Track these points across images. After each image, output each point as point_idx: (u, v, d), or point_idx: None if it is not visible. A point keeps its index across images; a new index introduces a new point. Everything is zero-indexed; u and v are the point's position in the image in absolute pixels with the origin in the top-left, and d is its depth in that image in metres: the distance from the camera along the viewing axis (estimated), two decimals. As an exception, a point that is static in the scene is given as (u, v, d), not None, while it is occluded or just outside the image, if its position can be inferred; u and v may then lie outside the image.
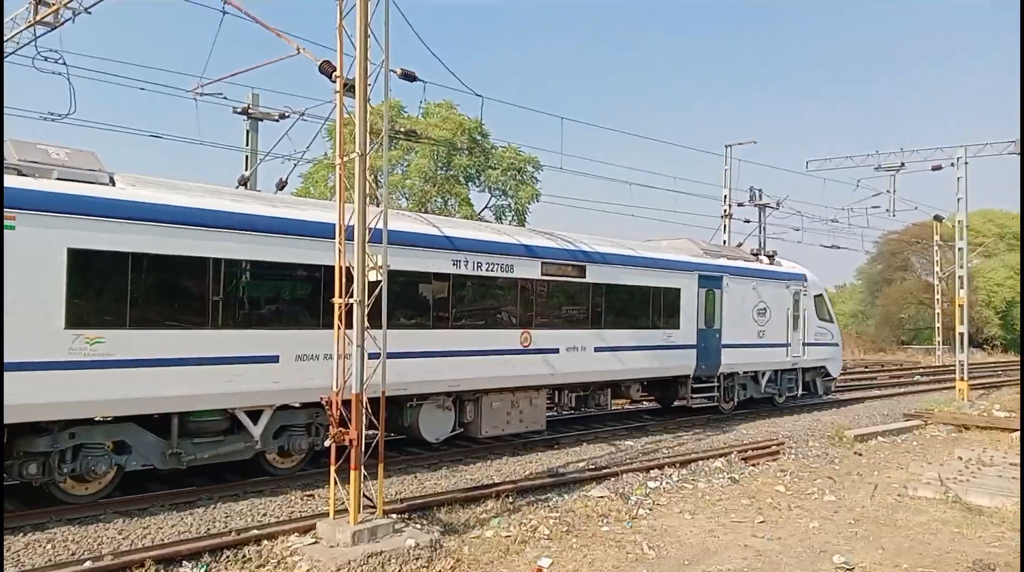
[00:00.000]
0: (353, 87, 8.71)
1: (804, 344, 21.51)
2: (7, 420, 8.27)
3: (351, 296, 8.65)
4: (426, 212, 34.96)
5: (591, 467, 12.84)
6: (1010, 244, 63.04)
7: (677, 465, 13.22)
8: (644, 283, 16.90)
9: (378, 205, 9.51)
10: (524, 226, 35.43)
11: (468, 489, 10.89)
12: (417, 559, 8.14)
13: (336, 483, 8.76)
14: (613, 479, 12.07)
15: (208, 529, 8.79)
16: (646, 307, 17.01)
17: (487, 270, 13.78)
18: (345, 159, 8.95)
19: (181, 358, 9.81)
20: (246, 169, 17.91)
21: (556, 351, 14.87)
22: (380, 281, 8.83)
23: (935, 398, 24.70)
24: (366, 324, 8.67)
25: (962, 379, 24.20)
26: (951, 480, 11.90)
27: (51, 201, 8.80)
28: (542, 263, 14.75)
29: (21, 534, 8.38)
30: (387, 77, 8.88)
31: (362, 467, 8.63)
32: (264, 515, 9.50)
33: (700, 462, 13.65)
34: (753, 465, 14.02)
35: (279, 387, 10.75)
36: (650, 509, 10.83)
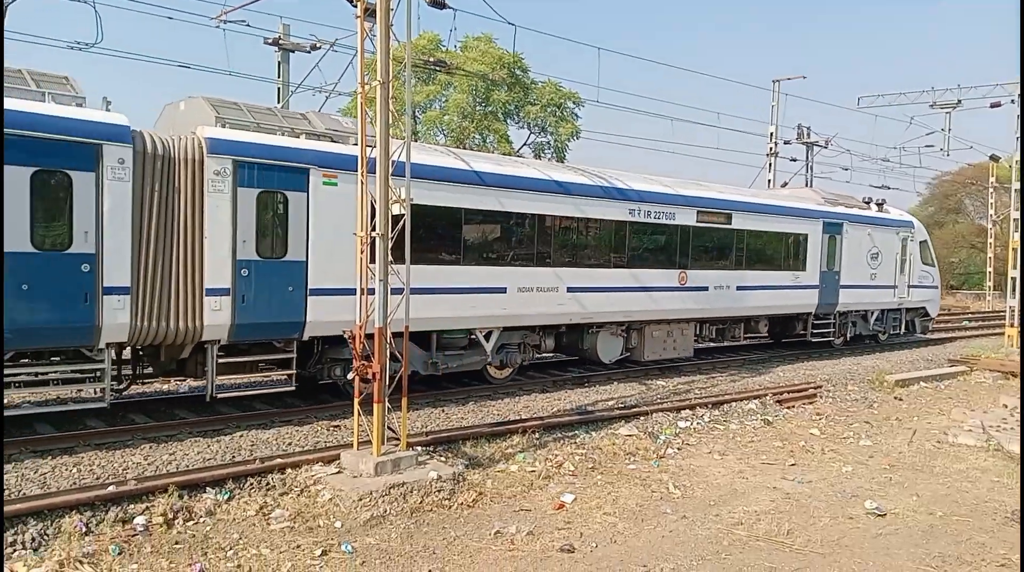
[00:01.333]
0: (375, 12, 8.37)
1: (909, 286, 23.43)
2: (338, 330, 10.15)
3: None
4: (464, 148, 34.59)
5: (620, 405, 12.69)
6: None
7: (709, 406, 13.01)
8: (779, 229, 19.01)
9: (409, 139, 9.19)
10: (563, 162, 34.84)
11: (494, 424, 10.84)
12: (440, 491, 8.12)
13: (360, 415, 8.74)
14: (643, 418, 11.92)
15: (233, 457, 8.87)
16: (780, 250, 19.13)
17: (655, 218, 15.97)
18: (367, 88, 8.66)
19: (443, 288, 12.40)
20: (278, 101, 17.69)
21: (706, 289, 17.06)
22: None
23: (982, 344, 23.97)
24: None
25: (1012, 325, 23.41)
26: (994, 428, 11.51)
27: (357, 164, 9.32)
28: (697, 212, 16.88)
29: (49, 457, 8.54)
30: (409, 4, 8.50)
31: (386, 400, 8.58)
32: (290, 444, 9.56)
33: (733, 404, 13.42)
34: (788, 408, 13.76)
35: (506, 313, 13.25)
36: (679, 449, 10.68)
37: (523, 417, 11.45)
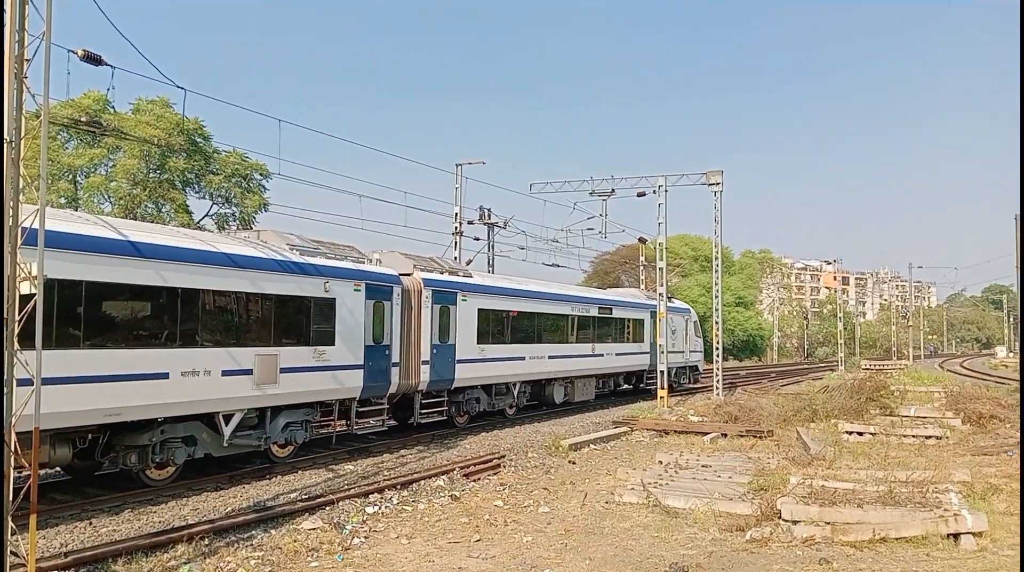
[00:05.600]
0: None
1: (691, 351, 35.53)
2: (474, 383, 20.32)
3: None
4: (135, 218, 31.53)
5: (304, 497, 11.93)
6: (703, 265, 71.30)
7: (398, 487, 12.76)
8: (635, 316, 30.69)
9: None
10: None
11: (154, 534, 9.51)
12: (76, 627, 6.80)
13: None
14: (329, 508, 11.28)
15: None
16: (635, 330, 30.49)
17: (571, 310, 25.92)
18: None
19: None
20: None
21: (602, 355, 27.78)
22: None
23: (640, 406, 26.81)
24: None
25: (663, 388, 26.55)
26: (652, 484, 12.65)
27: (470, 289, 20.44)
28: (599, 307, 27.80)
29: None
30: (48, 50, 7.45)
31: (7, 517, 7.06)
32: None
33: (423, 481, 13.32)
34: (475, 480, 13.97)
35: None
36: (366, 537, 10.21)
37: (190, 522, 10.23)
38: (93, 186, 35.21)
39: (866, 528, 9.42)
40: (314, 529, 10.27)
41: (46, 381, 8.87)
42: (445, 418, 20.26)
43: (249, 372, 13.33)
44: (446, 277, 19.75)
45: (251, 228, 38.26)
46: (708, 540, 9.84)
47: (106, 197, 35.99)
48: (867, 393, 22.55)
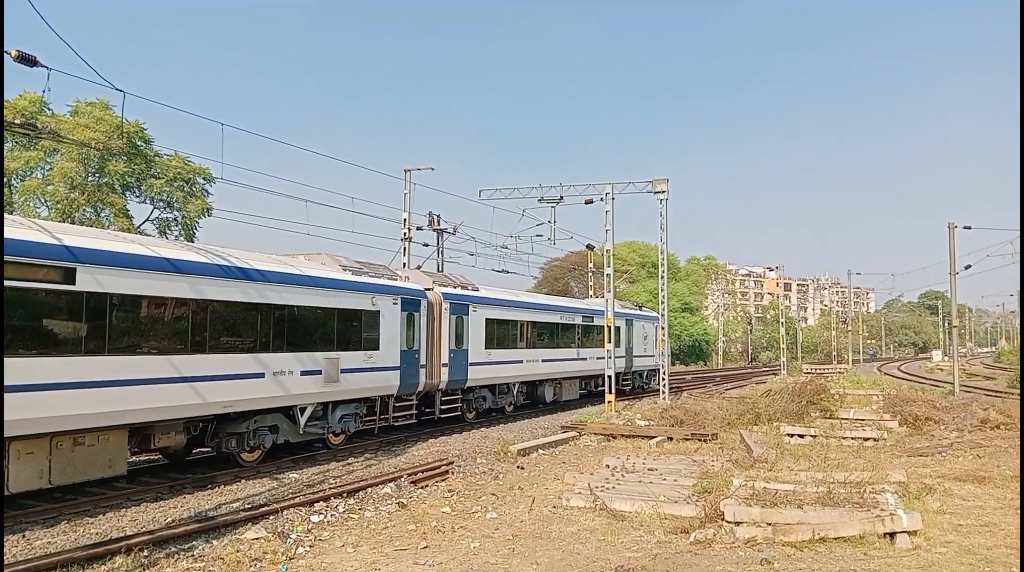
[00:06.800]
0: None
1: (660, 354, 36.55)
2: (492, 382, 24.45)
3: None
4: (73, 223, 30.58)
5: (248, 506, 11.70)
6: (650, 272, 72.19)
7: (344, 495, 12.61)
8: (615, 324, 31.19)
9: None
10: (193, 241, 32.50)
11: (91, 546, 9.23)
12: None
13: None
14: (273, 517, 11.08)
15: None
16: (614, 336, 30.67)
17: (560, 319, 29.11)
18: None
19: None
20: None
21: (586, 358, 30.99)
22: None
23: (588, 411, 27.00)
24: None
25: (610, 392, 26.78)
26: (598, 488, 12.74)
27: (480, 301, 23.57)
28: (582, 317, 31.08)
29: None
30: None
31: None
32: None
33: (370, 489, 13.19)
34: (423, 487, 13.89)
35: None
36: (311, 546, 10.07)
37: (129, 533, 9.94)
38: (29, 190, 34.11)
39: (806, 528, 9.64)
40: (257, 539, 10.07)
41: (184, 379, 12.89)
42: (459, 413, 23.07)
43: (319, 372, 16.11)
44: (460, 291, 22.95)
45: (194, 234, 37.62)
46: (653, 542, 9.96)
47: (43, 201, 34.88)
48: (808, 397, 23.07)
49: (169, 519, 10.89)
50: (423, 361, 20.21)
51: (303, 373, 15.56)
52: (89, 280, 11.46)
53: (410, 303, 19.64)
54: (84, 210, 34.90)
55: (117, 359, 11.80)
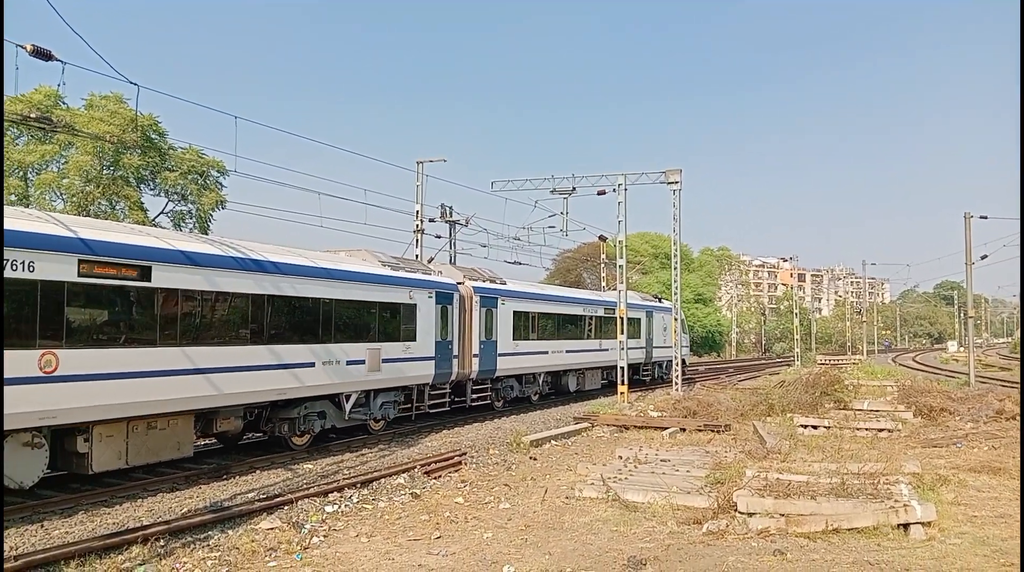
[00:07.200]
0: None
1: (680, 346, 35.47)
2: (509, 373, 24.59)
3: None
4: (88, 215, 30.79)
5: (263, 496, 11.81)
6: (663, 262, 71.99)
7: (358, 486, 12.69)
8: (633, 316, 33.23)
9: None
10: (207, 234, 32.63)
11: (108, 536, 9.34)
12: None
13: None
14: (287, 507, 11.18)
15: None
16: (639, 327, 34.94)
17: (583, 311, 30.05)
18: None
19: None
20: None
21: (606, 350, 30.86)
22: None
23: (601, 402, 27.01)
24: None
25: (623, 383, 26.78)
26: (611, 479, 12.77)
27: (507, 294, 24.36)
28: (604, 309, 31.23)
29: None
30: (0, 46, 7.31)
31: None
32: None
33: (383, 480, 13.27)
34: (436, 478, 13.96)
35: None
36: (325, 536, 10.15)
37: (145, 523, 10.06)
38: (45, 183, 34.38)
39: (819, 519, 9.62)
40: (272, 529, 10.17)
41: (245, 368, 13.97)
42: (489, 401, 24.17)
43: (362, 362, 17.10)
44: (488, 285, 23.78)
45: (208, 226, 37.82)
46: (666, 533, 9.97)
47: (58, 194, 35.16)
48: (822, 388, 22.98)
49: (185, 509, 11.01)
50: (456, 352, 21.17)
51: (348, 363, 16.58)
52: (163, 277, 12.47)
53: (444, 297, 20.58)
54: (99, 203, 35.16)
55: (187, 349, 12.82)
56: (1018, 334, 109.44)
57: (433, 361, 19.97)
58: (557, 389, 29.14)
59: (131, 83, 12.16)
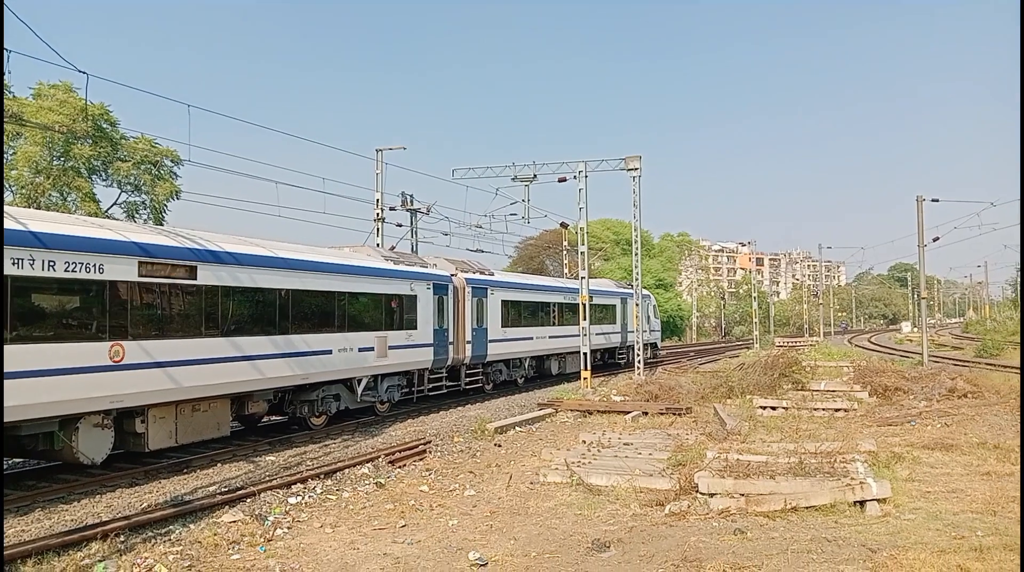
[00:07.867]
0: None
1: (651, 330, 41.05)
2: (497, 358, 25.83)
3: None
4: (39, 208, 29.98)
5: (224, 490, 11.68)
6: (624, 249, 72.47)
7: (322, 476, 12.62)
8: (611, 302, 36.47)
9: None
10: (162, 225, 32.02)
11: (66, 533, 9.17)
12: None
13: None
14: (250, 500, 11.06)
15: None
16: (622, 313, 37.58)
17: (564, 299, 31.49)
18: None
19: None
20: None
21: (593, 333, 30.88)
22: None
23: (564, 388, 27.17)
24: None
25: (586, 368, 26.97)
26: (575, 464, 12.87)
27: (496, 285, 26.02)
28: (592, 294, 30.25)
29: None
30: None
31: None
32: None
33: (347, 470, 13.21)
34: (400, 467, 13.93)
35: None
36: (289, 528, 10.08)
37: (104, 519, 9.88)
38: (-11, 174, 33.31)
39: (778, 498, 9.82)
40: (235, 522, 10.07)
41: (275, 356, 15.47)
42: (480, 385, 25.65)
43: (372, 349, 18.67)
44: (479, 276, 25.33)
45: (163, 217, 37.07)
46: (629, 516, 10.10)
47: (7, 186, 34.14)
48: (780, 369, 23.39)
49: (145, 504, 10.83)
50: (451, 339, 22.77)
51: (360, 349, 18.20)
52: (207, 275, 13.96)
53: (440, 288, 22.17)
54: (50, 195, 34.21)
55: (227, 340, 14.30)
56: (970, 314, 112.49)
57: (432, 348, 21.50)
58: (541, 373, 30.74)
59: (80, 71, 11.86)
